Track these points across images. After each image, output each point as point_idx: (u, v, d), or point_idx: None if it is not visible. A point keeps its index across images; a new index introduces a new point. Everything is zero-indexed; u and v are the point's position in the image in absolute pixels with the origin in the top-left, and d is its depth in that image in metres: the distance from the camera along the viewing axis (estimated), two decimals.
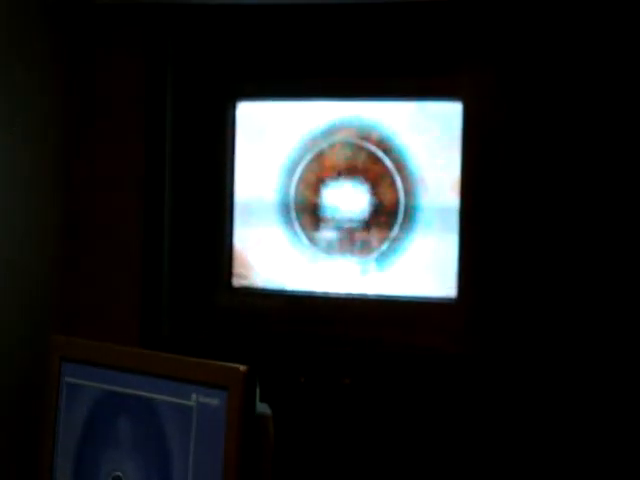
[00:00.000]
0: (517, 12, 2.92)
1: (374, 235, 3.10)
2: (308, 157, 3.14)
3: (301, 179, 3.15)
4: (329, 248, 3.14)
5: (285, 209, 3.16)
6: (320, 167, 3.14)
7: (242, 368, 1.25)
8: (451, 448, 2.94)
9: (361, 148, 3.10)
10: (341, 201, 3.12)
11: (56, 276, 2.95)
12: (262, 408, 1.38)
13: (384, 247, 3.09)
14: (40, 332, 2.69)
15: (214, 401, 1.26)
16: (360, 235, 3.11)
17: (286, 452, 2.83)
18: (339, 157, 3.12)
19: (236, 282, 3.21)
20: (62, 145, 2.97)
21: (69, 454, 1.41)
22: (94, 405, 1.38)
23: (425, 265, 3.04)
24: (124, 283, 3.09)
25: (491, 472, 2.89)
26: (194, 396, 1.28)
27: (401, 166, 3.06)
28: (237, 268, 3.20)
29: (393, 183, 3.07)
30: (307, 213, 3.15)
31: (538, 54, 2.91)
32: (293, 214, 3.16)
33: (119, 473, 1.34)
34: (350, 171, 3.11)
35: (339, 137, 3.12)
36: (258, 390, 1.34)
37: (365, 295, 3.11)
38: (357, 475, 2.98)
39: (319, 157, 3.14)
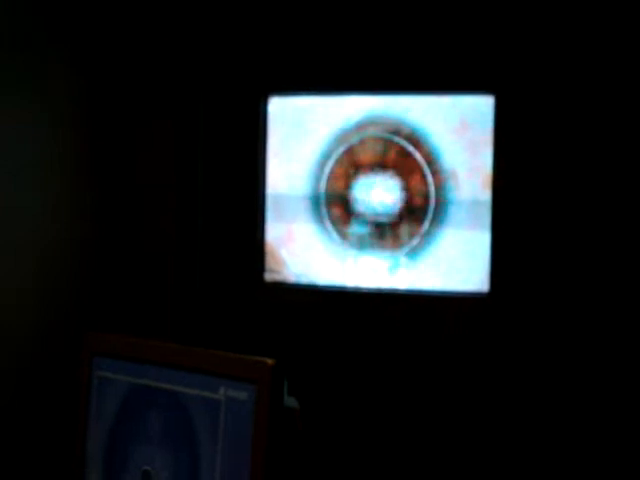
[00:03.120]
0: (549, 6, 2.89)
1: (405, 230, 3.09)
2: (339, 152, 3.14)
3: (332, 174, 3.15)
4: (360, 243, 3.14)
5: (316, 204, 3.17)
6: (351, 162, 3.13)
7: (270, 362, 1.25)
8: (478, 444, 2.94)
9: (392, 142, 3.09)
10: (372, 196, 3.12)
11: (90, 270, 2.98)
12: (290, 401, 1.39)
13: (415, 242, 3.08)
14: (72, 326, 2.72)
15: (242, 395, 1.26)
16: (391, 230, 3.10)
17: (318, 445, 2.84)
18: (370, 152, 3.11)
19: (268, 277, 3.22)
20: (94, 135, 2.98)
21: (100, 447, 1.43)
22: (124, 398, 1.40)
23: (456, 260, 3.03)
24: (156, 278, 3.11)
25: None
26: (222, 390, 1.28)
27: (432, 160, 3.05)
28: (269, 263, 3.21)
29: (424, 177, 3.06)
30: (338, 208, 3.15)
31: (570, 47, 2.88)
32: (324, 209, 3.16)
33: (148, 467, 1.35)
34: (381, 166, 3.10)
35: (370, 131, 3.11)
36: (286, 384, 1.35)
37: (396, 290, 3.10)
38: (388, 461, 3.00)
39: (350, 152, 3.13)
